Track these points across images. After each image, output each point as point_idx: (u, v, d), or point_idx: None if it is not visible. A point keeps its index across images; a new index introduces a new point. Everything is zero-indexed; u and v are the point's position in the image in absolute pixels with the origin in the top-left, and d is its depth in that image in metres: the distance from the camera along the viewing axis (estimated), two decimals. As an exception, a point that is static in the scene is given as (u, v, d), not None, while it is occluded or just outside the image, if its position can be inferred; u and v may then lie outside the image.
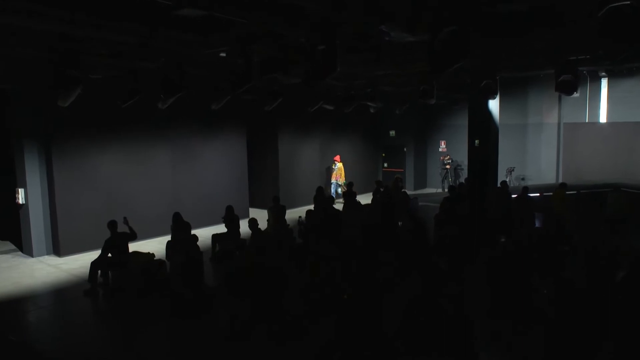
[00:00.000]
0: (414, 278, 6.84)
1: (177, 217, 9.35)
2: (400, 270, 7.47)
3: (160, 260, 8.66)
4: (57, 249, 10.60)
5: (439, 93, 11.76)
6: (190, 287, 7.52)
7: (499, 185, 12.18)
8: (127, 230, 8.45)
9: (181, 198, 12.54)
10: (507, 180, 15.31)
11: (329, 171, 17.40)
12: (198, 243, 8.60)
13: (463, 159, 17.83)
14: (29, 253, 10.59)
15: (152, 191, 12.10)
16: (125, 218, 8.48)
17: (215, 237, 10.15)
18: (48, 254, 10.68)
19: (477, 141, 12.46)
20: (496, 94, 11.09)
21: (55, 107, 8.60)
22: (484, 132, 12.42)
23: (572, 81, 8.58)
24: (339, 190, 16.59)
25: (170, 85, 7.70)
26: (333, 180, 16.96)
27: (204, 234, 10.77)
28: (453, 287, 6.26)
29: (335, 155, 17.09)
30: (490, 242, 9.07)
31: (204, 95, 10.34)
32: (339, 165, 16.95)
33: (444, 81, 12.11)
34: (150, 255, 8.79)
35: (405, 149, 19.83)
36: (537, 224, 10.38)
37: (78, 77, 6.76)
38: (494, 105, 12.28)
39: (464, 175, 17.40)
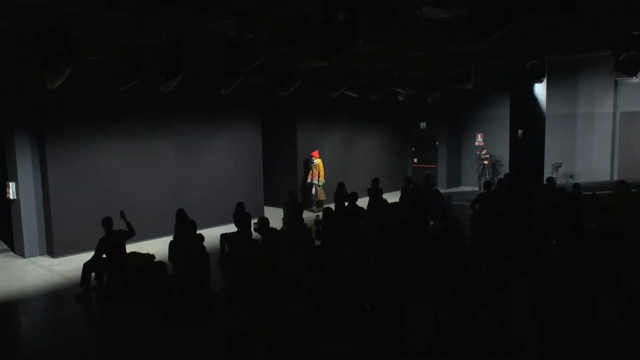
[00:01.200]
0: (442, 283, 6.46)
1: (180, 213, 9.05)
2: (426, 274, 7.08)
3: (159, 262, 8.42)
4: (51, 249, 10.45)
5: (476, 80, 11.26)
6: (191, 291, 7.25)
7: (544, 182, 11.67)
8: (124, 227, 8.21)
9: (187, 194, 12.28)
10: (554, 177, 14.70)
11: (307, 169, 15.53)
12: (205, 244, 8.32)
13: (502, 154, 17.28)
14: (21, 253, 10.46)
15: (154, 187, 11.87)
16: (121, 212, 8.22)
17: (224, 237, 9.87)
18: (41, 254, 10.53)
19: (520, 131, 11.98)
20: (543, 77, 10.56)
21: (49, 95, 8.44)
22: (529, 122, 11.91)
23: (636, 59, 7.97)
24: (314, 191, 15.05)
25: (171, 65, 7.41)
26: (309, 180, 15.19)
27: (213, 234, 10.51)
28: (493, 294, 5.86)
29: (314, 151, 15.33)
30: (536, 245, 8.63)
31: (212, 79, 10.05)
32: (317, 161, 15.04)
33: (483, 64, 11.60)
34: (149, 257, 8.55)
35: (437, 143, 19.34)
36: (592, 226, 9.80)
37: (67, 55, 6.51)
38: (540, 91, 11.74)
39: (503, 171, 16.87)
